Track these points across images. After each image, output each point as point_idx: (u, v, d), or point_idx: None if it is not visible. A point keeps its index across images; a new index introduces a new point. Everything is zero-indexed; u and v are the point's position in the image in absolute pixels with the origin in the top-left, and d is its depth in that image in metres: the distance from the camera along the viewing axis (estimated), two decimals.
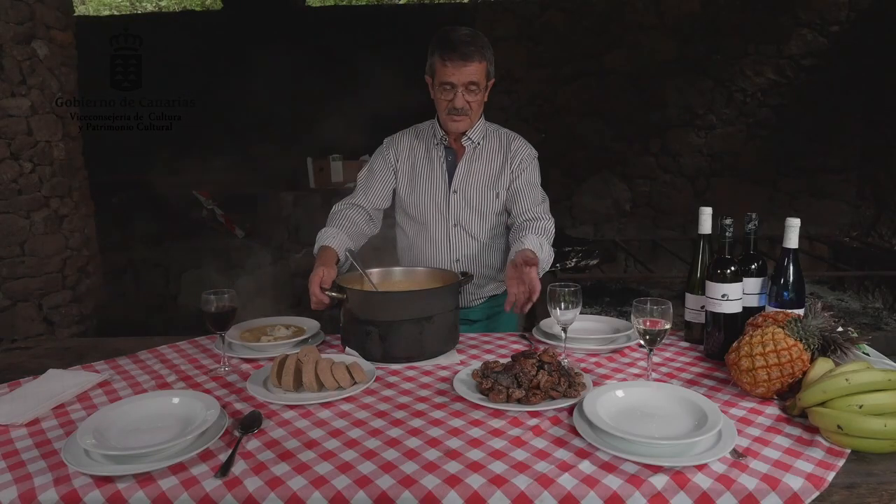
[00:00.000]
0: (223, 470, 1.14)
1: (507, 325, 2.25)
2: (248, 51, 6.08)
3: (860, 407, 1.21)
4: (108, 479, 1.12)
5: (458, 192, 2.12)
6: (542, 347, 1.67)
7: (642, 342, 1.50)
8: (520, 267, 1.71)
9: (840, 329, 1.43)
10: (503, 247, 2.20)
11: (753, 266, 1.70)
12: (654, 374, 1.56)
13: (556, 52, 5.95)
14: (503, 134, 2.18)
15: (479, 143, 2.13)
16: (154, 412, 1.35)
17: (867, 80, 5.67)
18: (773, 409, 1.38)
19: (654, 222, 6.16)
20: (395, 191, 2.20)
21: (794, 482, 1.09)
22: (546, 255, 1.94)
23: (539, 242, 1.90)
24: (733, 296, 1.63)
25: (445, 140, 2.12)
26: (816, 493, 1.08)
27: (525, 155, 2.15)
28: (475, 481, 1.11)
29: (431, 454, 1.20)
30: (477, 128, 2.12)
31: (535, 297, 1.69)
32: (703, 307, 1.72)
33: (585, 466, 1.15)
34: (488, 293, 2.22)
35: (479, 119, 2.13)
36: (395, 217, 2.27)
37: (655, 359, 1.68)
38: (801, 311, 1.57)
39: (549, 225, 2.07)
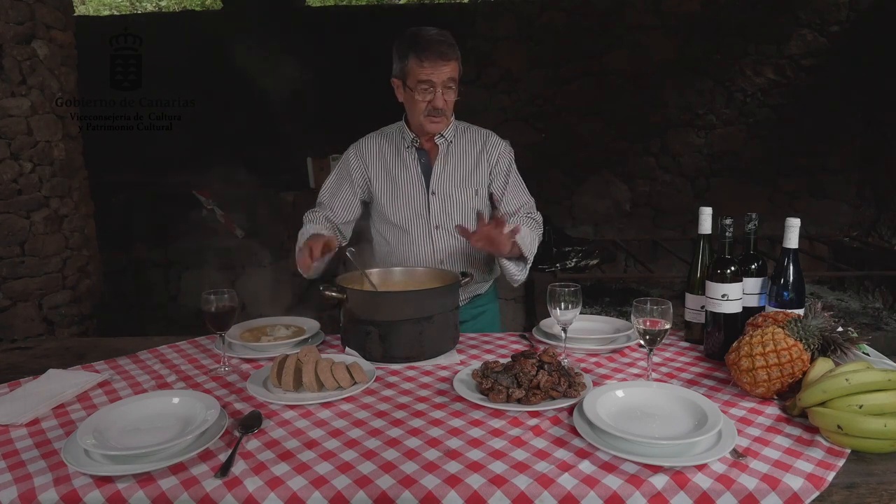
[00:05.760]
0: (223, 470, 1.14)
1: (491, 325, 2.25)
2: (248, 51, 6.07)
3: (860, 407, 1.21)
4: (108, 479, 1.12)
5: (437, 194, 2.11)
6: (542, 347, 1.67)
7: (642, 342, 1.50)
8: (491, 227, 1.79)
9: (840, 329, 1.43)
10: None
11: (753, 266, 1.70)
12: (654, 374, 1.56)
13: (556, 52, 5.94)
14: (474, 130, 2.18)
15: (451, 141, 2.13)
16: (154, 412, 1.35)
17: (867, 80, 5.66)
18: (773, 409, 1.38)
19: (654, 222, 6.15)
20: (370, 199, 2.18)
21: (794, 482, 1.09)
22: (529, 243, 2.00)
23: (525, 233, 1.98)
24: (733, 296, 1.63)
25: (417, 142, 2.11)
26: (816, 493, 1.08)
27: (502, 150, 2.16)
28: (475, 481, 1.11)
29: (431, 454, 1.20)
30: (449, 126, 2.13)
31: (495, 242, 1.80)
32: (703, 307, 1.72)
33: (585, 466, 1.15)
34: (472, 293, 2.22)
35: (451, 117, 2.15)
36: (373, 225, 2.24)
37: (655, 359, 1.68)
38: (801, 311, 1.57)
39: (539, 219, 2.17)
